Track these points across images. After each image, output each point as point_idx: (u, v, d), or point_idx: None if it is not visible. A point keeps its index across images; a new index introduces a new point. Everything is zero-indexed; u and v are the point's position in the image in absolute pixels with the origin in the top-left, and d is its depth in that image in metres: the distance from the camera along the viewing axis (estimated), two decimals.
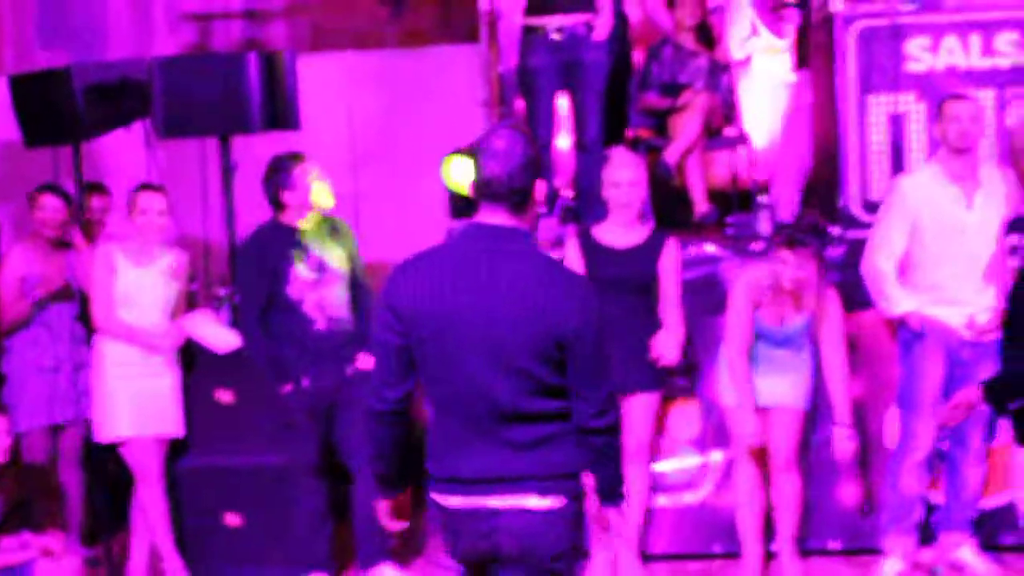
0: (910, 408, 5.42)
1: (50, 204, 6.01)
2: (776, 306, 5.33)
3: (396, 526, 3.52)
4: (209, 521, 5.90)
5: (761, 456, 5.47)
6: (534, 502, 3.18)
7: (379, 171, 7.72)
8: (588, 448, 3.25)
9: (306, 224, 5.64)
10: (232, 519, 5.91)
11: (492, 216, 3.22)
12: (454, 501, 3.25)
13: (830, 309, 5.37)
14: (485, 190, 3.21)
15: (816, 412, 5.53)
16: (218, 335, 5.98)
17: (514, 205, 3.20)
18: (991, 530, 5.71)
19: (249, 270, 5.72)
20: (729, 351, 5.41)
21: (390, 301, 3.23)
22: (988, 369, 5.08)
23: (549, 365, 3.17)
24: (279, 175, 5.60)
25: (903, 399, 5.47)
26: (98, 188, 6.66)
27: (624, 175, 5.47)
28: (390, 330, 3.23)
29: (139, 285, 5.69)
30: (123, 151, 7.37)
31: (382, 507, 3.51)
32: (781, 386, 5.38)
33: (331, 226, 5.75)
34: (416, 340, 3.20)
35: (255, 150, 6.81)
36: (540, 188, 3.26)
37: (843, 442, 5.38)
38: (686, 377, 5.79)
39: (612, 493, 3.37)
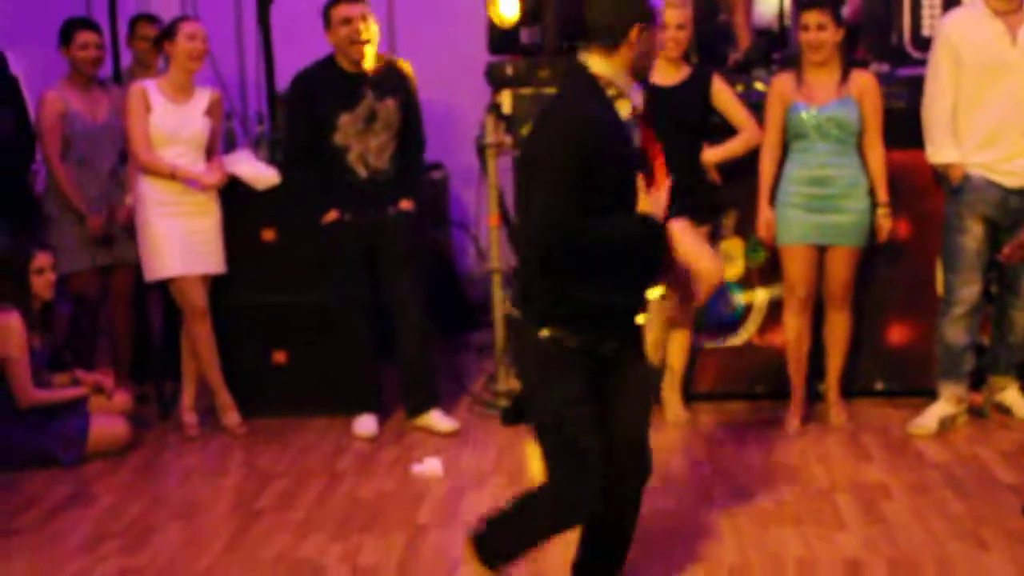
0: (950, 265, 5.37)
1: (86, 40, 5.90)
2: (808, 86, 5.31)
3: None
4: (256, 359, 5.96)
5: (809, 296, 5.46)
6: None
7: (417, 6, 7.55)
8: None
9: (360, 67, 5.51)
10: (278, 356, 5.96)
11: None
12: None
13: (867, 87, 5.34)
14: None
15: (869, 249, 5.49)
16: (258, 172, 5.94)
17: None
18: None
19: (295, 109, 5.64)
20: (762, 155, 5.44)
21: None
22: None
23: None
24: (324, 13, 5.47)
25: (945, 255, 5.42)
26: (148, 18, 6.50)
27: (673, 16, 5.34)
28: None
29: (176, 122, 5.62)
30: None
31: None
32: (837, 224, 5.34)
33: (388, 70, 5.62)
34: None
35: None
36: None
37: (883, 220, 5.38)
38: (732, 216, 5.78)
39: None
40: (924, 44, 5.67)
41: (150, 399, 6.12)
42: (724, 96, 5.51)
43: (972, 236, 5.30)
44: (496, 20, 6.02)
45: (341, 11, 5.45)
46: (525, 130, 5.81)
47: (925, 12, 5.87)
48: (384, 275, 5.66)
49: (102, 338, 6.11)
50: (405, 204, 5.63)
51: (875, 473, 4.97)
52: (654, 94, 5.44)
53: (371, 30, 5.51)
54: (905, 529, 4.37)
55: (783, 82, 5.39)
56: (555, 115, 3.35)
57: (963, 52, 5.23)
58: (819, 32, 5.24)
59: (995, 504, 4.56)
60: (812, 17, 5.25)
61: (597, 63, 3.34)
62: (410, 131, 5.66)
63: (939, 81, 5.28)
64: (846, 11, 6.52)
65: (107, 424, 5.48)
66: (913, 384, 5.80)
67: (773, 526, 4.43)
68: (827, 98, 5.29)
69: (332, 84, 5.52)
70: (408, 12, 7.57)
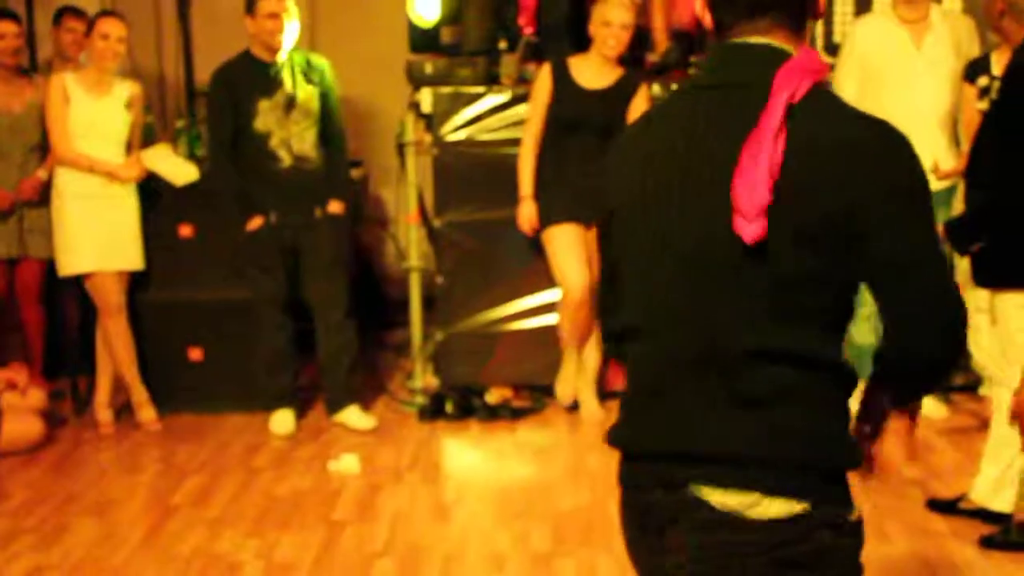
0: None
1: (4, 30, 5.83)
2: None
3: None
4: (172, 355, 5.93)
5: None
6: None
7: (339, 4, 7.55)
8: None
9: (278, 58, 5.53)
10: (195, 353, 5.94)
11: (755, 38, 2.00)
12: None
13: None
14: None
15: None
16: (176, 168, 5.92)
17: (797, 18, 2.01)
18: None
19: (216, 100, 5.63)
20: None
21: (608, 191, 2.11)
22: (940, 216, 5.17)
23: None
24: (246, 2, 5.49)
25: None
26: (75, 11, 6.43)
27: (617, 15, 5.41)
28: (606, 234, 2.14)
29: (96, 115, 5.58)
30: None
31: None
32: None
33: (306, 61, 5.66)
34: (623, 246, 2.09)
35: None
36: None
37: None
38: None
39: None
40: (836, 50, 5.80)
41: (64, 395, 6.06)
42: (640, 109, 5.54)
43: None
44: (416, 21, 6.05)
45: (270, 5, 5.46)
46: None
47: (837, 19, 6.01)
48: (307, 276, 5.67)
49: (13, 333, 6.04)
50: (335, 207, 5.65)
51: None
52: (582, 96, 5.52)
53: (292, 24, 5.53)
54: None
55: None
56: (887, 132, 1.94)
57: (869, 59, 5.36)
58: None
59: (899, 498, 4.68)
60: None
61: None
62: (329, 120, 5.67)
63: (842, 88, 5.41)
64: None
65: (20, 422, 5.43)
66: None
67: None
68: None
69: (249, 73, 5.54)
70: (329, 10, 7.57)
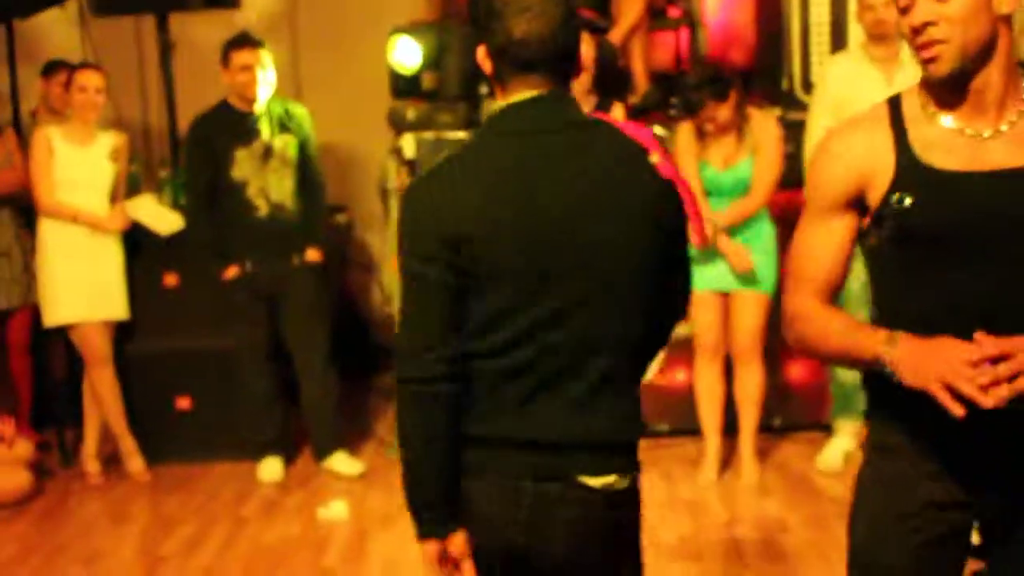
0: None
1: None
2: (715, 148, 5.30)
3: None
4: (159, 404, 5.92)
5: (718, 343, 5.39)
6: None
7: (321, 51, 7.59)
8: None
9: (255, 108, 5.57)
10: (182, 402, 5.93)
11: (530, 92, 2.38)
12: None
13: (767, 130, 5.33)
14: (517, 57, 2.34)
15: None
16: (161, 218, 5.94)
17: (561, 74, 2.39)
18: None
19: (194, 151, 5.68)
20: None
21: (439, 225, 2.31)
22: None
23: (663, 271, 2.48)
24: (224, 51, 5.53)
25: None
26: (65, 65, 6.45)
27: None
28: (438, 265, 2.31)
29: (79, 166, 5.61)
30: (57, 30, 7.16)
31: (427, 552, 2.41)
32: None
33: (284, 111, 5.69)
34: (485, 274, 2.31)
35: (194, 29, 6.69)
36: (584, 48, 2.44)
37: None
38: None
39: None
40: (812, 88, 5.85)
41: (52, 447, 6.05)
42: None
43: (855, 275, 5.40)
44: (397, 67, 6.08)
45: (242, 57, 5.51)
46: None
47: (814, 59, 6.06)
48: (286, 323, 5.68)
49: (1, 385, 6.04)
50: (312, 255, 5.67)
51: (775, 508, 5.08)
52: None
53: (267, 75, 5.57)
54: (804, 563, 4.47)
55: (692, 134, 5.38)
56: None
57: (841, 98, 5.37)
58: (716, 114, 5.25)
59: None
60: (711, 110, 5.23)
61: None
62: (307, 167, 5.71)
63: (816, 126, 5.44)
64: (739, 56, 6.74)
65: (7, 474, 5.42)
66: (808, 419, 5.92)
67: (676, 561, 4.51)
68: (733, 156, 5.32)
69: (227, 123, 5.59)
70: (311, 57, 7.61)
